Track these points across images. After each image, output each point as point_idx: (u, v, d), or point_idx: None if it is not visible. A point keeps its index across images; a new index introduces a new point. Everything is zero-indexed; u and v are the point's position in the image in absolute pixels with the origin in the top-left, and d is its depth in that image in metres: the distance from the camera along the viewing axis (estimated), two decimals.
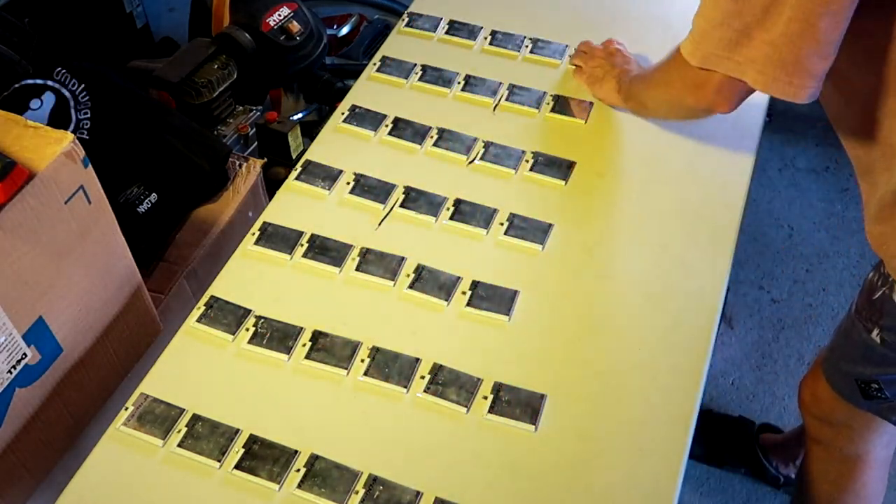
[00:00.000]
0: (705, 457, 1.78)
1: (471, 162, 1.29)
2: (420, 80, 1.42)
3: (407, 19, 1.54)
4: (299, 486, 0.93)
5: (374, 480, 0.93)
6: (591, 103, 1.37)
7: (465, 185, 1.25)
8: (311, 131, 1.78)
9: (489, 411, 0.99)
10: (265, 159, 1.55)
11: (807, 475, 1.44)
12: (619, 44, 1.40)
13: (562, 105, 1.36)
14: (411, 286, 1.12)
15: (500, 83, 1.40)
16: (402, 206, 1.22)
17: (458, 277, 1.13)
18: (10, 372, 0.98)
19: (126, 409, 1.00)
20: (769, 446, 1.75)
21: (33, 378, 1.03)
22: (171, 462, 0.96)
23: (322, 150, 1.31)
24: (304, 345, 1.06)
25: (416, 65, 1.44)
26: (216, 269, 1.15)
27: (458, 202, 1.22)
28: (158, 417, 0.99)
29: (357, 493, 0.92)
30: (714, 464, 1.79)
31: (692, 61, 0.97)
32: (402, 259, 1.15)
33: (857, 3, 0.84)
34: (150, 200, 1.35)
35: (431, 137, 1.31)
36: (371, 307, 1.11)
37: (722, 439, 1.80)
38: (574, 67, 1.42)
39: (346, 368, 1.03)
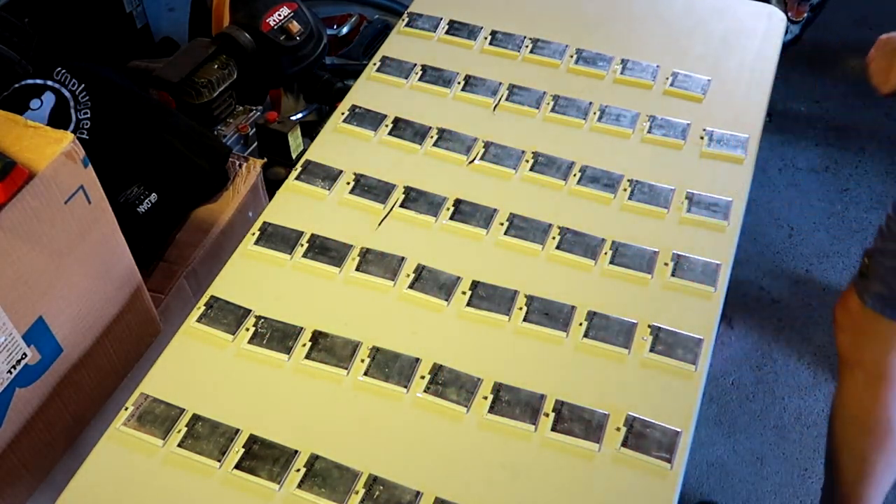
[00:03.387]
0: None
1: (471, 162, 1.29)
2: (420, 80, 1.42)
3: (407, 19, 1.54)
4: (299, 486, 0.93)
5: (374, 480, 0.93)
6: None
7: (465, 185, 1.25)
8: (311, 131, 1.78)
9: (489, 411, 0.99)
10: (265, 159, 1.55)
11: (837, 400, 1.47)
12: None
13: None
14: (411, 286, 1.12)
15: (500, 83, 1.40)
16: (402, 206, 1.22)
17: (458, 277, 1.13)
18: (10, 372, 0.98)
19: (126, 409, 1.00)
20: None
21: (33, 378, 1.03)
22: (171, 462, 0.96)
23: (322, 150, 1.31)
24: (304, 345, 1.06)
25: (416, 65, 1.44)
26: (216, 269, 1.15)
27: (458, 202, 1.22)
28: (158, 417, 0.99)
29: (357, 493, 0.92)
30: None
31: None
32: (402, 259, 1.15)
33: None
34: (150, 200, 1.35)
35: (431, 137, 1.31)
36: (371, 307, 1.11)
37: None
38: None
39: (346, 368, 1.03)
